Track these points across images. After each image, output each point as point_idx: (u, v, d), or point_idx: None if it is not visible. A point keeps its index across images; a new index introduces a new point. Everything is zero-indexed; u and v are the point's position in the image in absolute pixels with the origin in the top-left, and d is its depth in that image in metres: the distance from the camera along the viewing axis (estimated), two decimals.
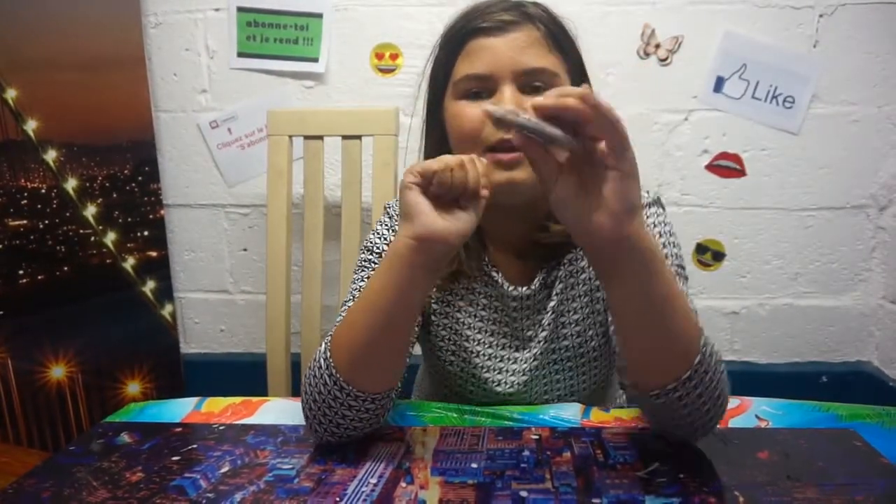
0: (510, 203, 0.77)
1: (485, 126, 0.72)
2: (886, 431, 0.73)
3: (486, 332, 0.85)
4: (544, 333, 0.83)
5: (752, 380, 1.58)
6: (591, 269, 0.83)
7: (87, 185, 1.52)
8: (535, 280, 0.82)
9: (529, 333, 0.84)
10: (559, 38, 0.75)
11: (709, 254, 1.55)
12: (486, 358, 0.85)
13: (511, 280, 0.83)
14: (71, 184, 1.51)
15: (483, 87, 0.74)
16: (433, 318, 0.86)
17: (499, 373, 0.85)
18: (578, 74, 0.78)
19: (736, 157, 1.50)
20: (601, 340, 0.84)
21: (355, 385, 0.67)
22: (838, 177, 1.49)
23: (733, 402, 0.80)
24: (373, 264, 0.81)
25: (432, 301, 0.86)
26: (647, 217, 0.81)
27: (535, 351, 0.84)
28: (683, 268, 0.80)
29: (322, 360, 0.70)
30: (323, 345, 0.72)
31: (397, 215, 0.78)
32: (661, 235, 0.79)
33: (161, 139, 1.57)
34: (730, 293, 1.57)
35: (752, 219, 1.52)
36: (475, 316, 0.85)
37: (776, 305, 1.57)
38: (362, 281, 0.80)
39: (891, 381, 1.50)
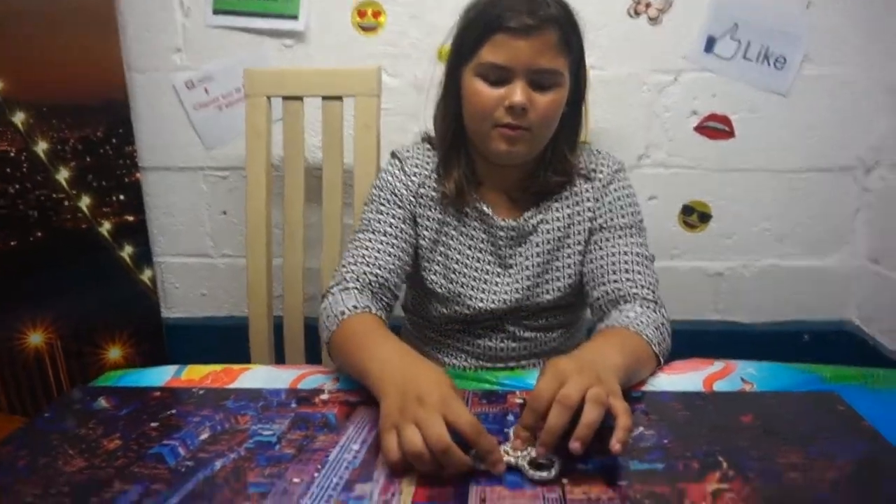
0: (508, 165, 0.93)
1: (497, 109, 0.86)
2: (869, 392, 0.74)
3: (473, 257, 0.98)
4: (527, 262, 0.96)
5: (735, 340, 1.60)
6: (568, 210, 0.96)
7: (59, 147, 1.47)
8: (522, 216, 0.96)
9: (511, 261, 0.97)
10: (570, 40, 0.87)
11: (695, 215, 1.54)
12: (472, 279, 0.97)
13: (499, 214, 0.96)
14: (41, 147, 1.46)
15: (501, 76, 0.86)
16: (424, 244, 0.97)
17: (482, 292, 0.97)
18: (577, 67, 0.91)
19: (725, 119, 1.48)
20: (577, 262, 0.96)
21: None
22: (826, 139, 1.48)
23: (718, 364, 0.80)
24: (381, 201, 0.96)
25: (426, 231, 0.97)
26: (619, 181, 0.97)
27: (517, 276, 0.97)
28: (642, 221, 0.96)
29: (324, 333, 0.83)
30: (334, 320, 0.81)
31: (406, 159, 0.98)
32: (628, 196, 0.96)
33: (135, 100, 1.52)
34: (715, 254, 1.57)
35: (740, 180, 1.51)
36: (465, 244, 0.98)
37: (761, 266, 1.57)
38: (371, 213, 0.96)
39: (870, 340, 1.52)
